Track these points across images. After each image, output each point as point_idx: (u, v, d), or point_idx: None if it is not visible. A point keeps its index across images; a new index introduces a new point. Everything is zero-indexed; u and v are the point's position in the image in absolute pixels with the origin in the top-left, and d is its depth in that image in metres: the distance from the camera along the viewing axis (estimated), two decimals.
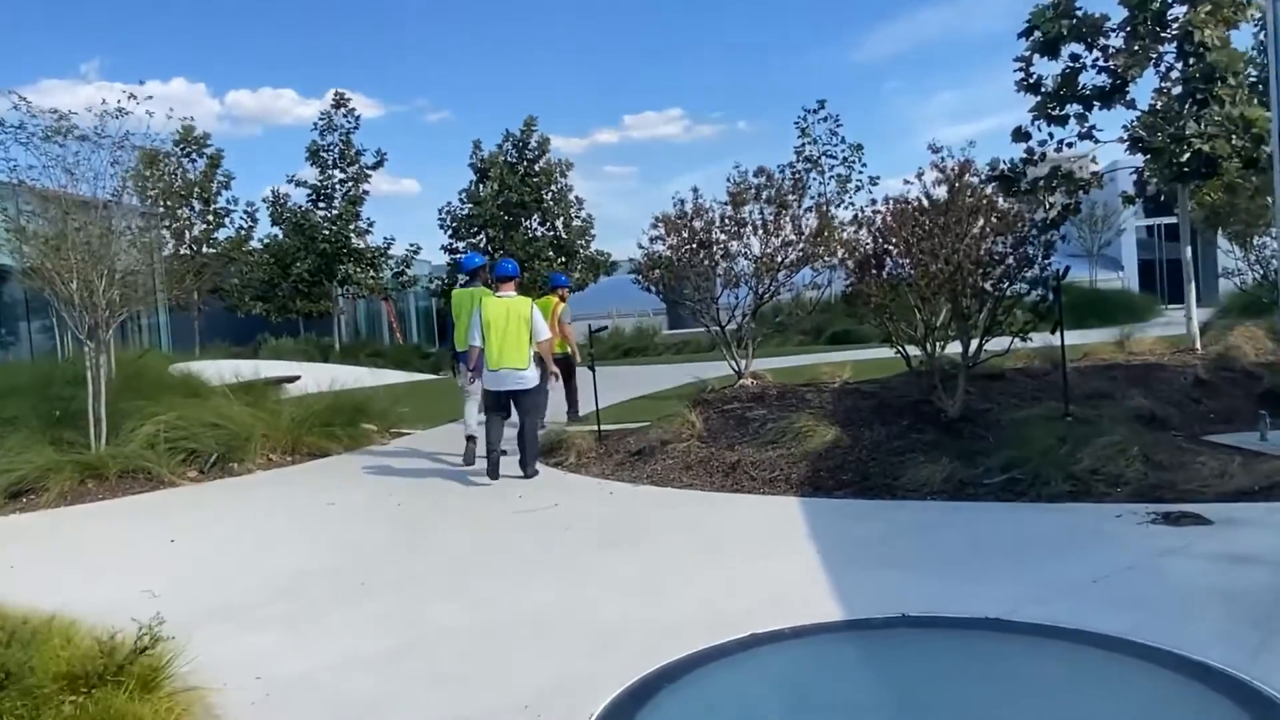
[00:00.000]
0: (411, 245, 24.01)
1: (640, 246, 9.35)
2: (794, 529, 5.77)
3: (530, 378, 7.87)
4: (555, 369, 8.59)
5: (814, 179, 25.22)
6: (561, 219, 25.95)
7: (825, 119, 25.01)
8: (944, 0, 71.28)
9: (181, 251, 23.27)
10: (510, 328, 7.84)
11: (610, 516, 6.54)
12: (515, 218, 25.60)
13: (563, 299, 11.05)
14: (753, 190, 8.81)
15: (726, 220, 8.75)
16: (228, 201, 23.74)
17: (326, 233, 21.83)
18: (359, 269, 22.23)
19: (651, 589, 4.84)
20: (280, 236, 22.92)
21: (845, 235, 8.37)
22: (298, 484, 8.59)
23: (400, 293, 26.05)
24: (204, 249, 23.43)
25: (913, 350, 7.69)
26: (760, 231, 8.74)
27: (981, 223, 6.90)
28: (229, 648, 4.38)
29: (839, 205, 25.58)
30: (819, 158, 25.04)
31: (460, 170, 25.35)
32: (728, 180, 8.91)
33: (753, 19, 69.50)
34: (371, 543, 6.28)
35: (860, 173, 25.29)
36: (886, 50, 77.16)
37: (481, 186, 26.28)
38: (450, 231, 26.88)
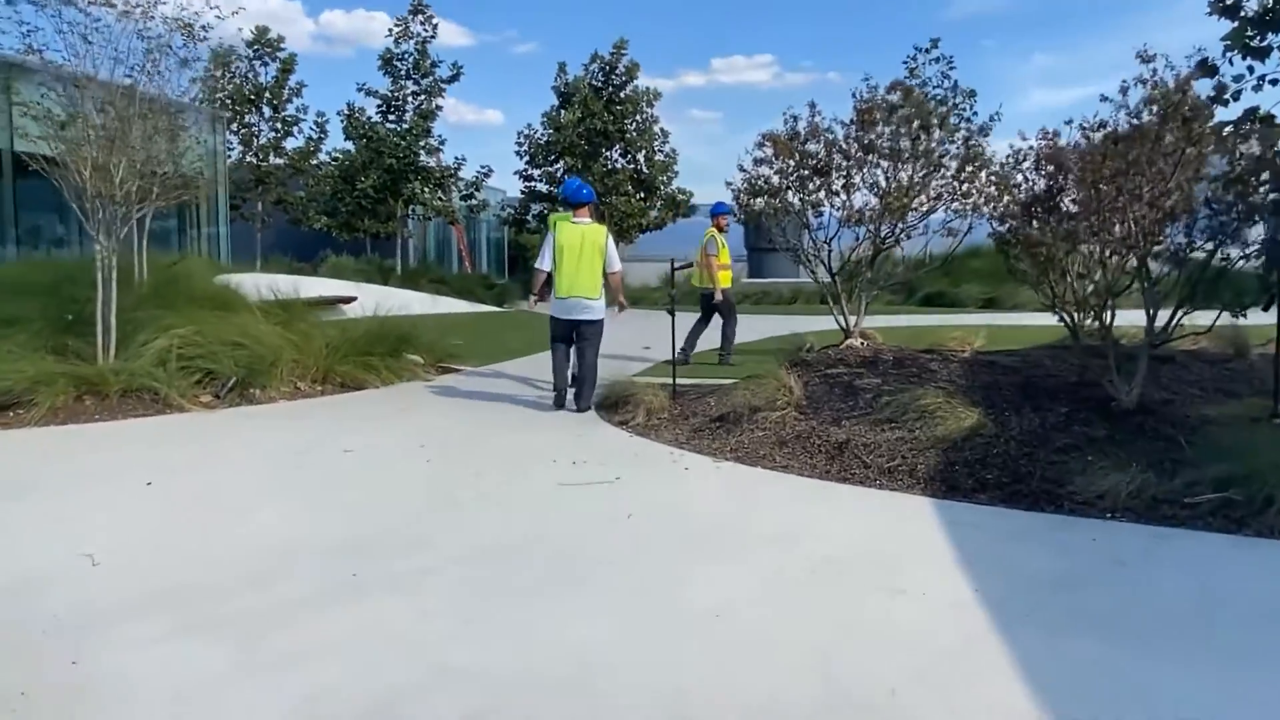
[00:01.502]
0: (483, 167, 22.63)
1: (740, 169, 7.84)
2: (931, 546, 4.33)
3: (598, 308, 7.71)
4: (623, 300, 8.13)
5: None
6: (644, 152, 24.32)
7: (938, 59, 22.82)
8: None
9: (247, 159, 22.30)
10: (585, 255, 7.63)
11: (683, 504, 5.16)
12: (596, 147, 24.06)
13: (720, 229, 9.78)
14: (885, 108, 7.17)
15: (850, 143, 7.13)
16: (297, 110, 22.61)
17: (394, 146, 20.56)
18: (426, 188, 20.94)
19: (740, 632, 3.45)
20: (351, 150, 21.79)
21: (997, 169, 6.73)
22: (318, 421, 7.38)
23: (470, 218, 24.79)
24: (270, 158, 22.39)
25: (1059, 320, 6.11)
26: (892, 160, 7.10)
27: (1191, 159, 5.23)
28: (144, 664, 3.13)
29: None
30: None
31: (544, 103, 23.78)
32: (854, 95, 7.30)
33: None
34: (383, 513, 5.00)
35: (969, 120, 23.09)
36: (983, 7, 72.76)
37: (564, 112, 24.76)
38: (527, 158, 25.51)
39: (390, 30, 20.67)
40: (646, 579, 3.96)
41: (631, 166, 24.39)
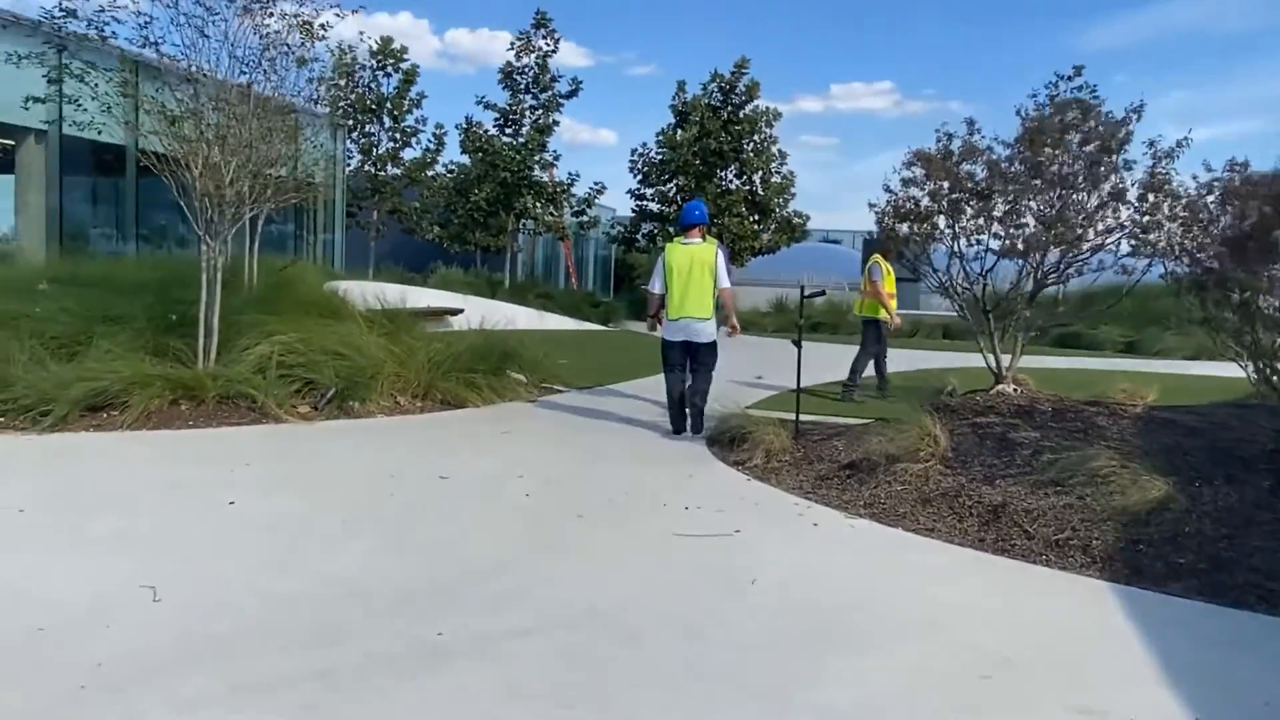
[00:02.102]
0: (596, 184, 22.31)
1: (886, 190, 7.12)
2: (1123, 649, 3.55)
3: (709, 330, 7.53)
4: (736, 323, 7.84)
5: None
6: (760, 173, 23.66)
7: (1080, 89, 21.56)
8: None
9: (366, 168, 22.49)
10: (694, 275, 7.48)
11: (813, 571, 4.47)
12: (710, 167, 23.51)
13: (887, 255, 9.61)
14: (1058, 127, 6.36)
15: (1015, 165, 6.33)
16: (417, 121, 22.72)
17: (509, 160, 20.39)
18: (538, 203, 20.70)
19: None
20: (467, 163, 21.78)
21: (1184, 200, 5.85)
22: (416, 441, 6.95)
23: (579, 235, 24.53)
24: (388, 168, 22.55)
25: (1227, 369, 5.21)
26: (1064, 185, 6.27)
27: None
28: None
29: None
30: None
31: (658, 124, 23.35)
32: (1018, 112, 6.50)
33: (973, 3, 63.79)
34: (475, 554, 4.47)
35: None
36: (1116, 41, 69.72)
37: (680, 130, 24.32)
38: (640, 176, 25.13)
39: (512, 44, 20.60)
40: (771, 671, 3.30)
41: (747, 188, 23.76)
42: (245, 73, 7.61)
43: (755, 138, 23.55)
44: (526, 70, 20.59)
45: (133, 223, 14.78)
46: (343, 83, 21.72)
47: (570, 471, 6.16)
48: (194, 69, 7.35)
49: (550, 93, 20.79)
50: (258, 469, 5.83)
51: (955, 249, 6.41)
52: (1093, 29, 67.54)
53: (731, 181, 23.87)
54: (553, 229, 21.86)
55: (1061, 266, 6.28)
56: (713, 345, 7.57)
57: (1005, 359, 6.64)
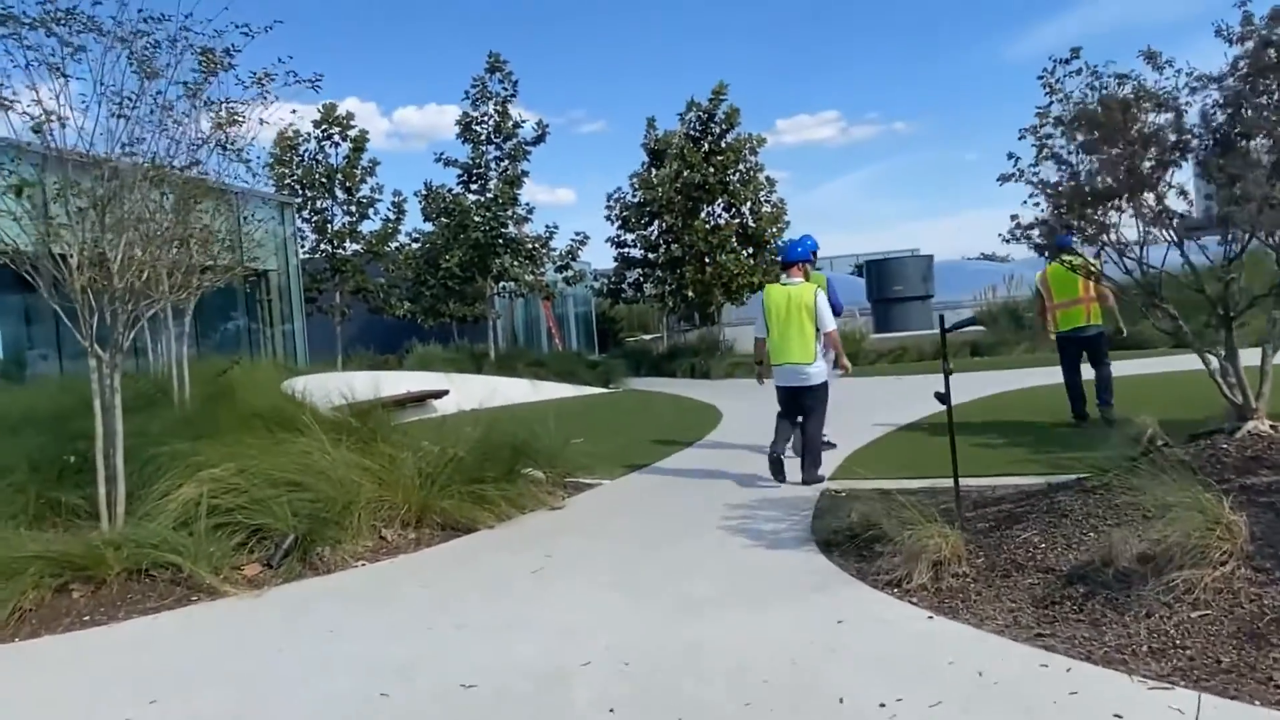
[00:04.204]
0: (578, 234, 20.38)
1: (1024, 182, 5.20)
2: None
3: (814, 374, 7.18)
4: (847, 363, 7.66)
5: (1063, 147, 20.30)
6: (749, 204, 21.81)
7: (1079, 71, 19.95)
8: None
9: (322, 247, 20.49)
10: (793, 318, 7.15)
11: None
12: (696, 203, 21.66)
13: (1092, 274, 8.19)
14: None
15: (1248, 107, 4.30)
16: (372, 190, 20.78)
17: (479, 219, 18.44)
18: (517, 261, 18.71)
19: None
20: (431, 230, 19.81)
21: None
22: (416, 604, 4.81)
23: (562, 291, 22.50)
24: (347, 244, 20.55)
25: None
26: None
27: None
28: None
29: None
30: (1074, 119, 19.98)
31: (619, 176, 21.51)
32: (1220, 33, 4.52)
33: (910, 13, 63.19)
34: None
35: None
36: (1047, 44, 69.65)
37: (655, 169, 22.52)
38: (619, 222, 23.24)
39: (467, 93, 18.74)
40: None
41: (737, 220, 21.90)
42: (123, 115, 5.55)
43: (740, 166, 21.76)
44: (486, 119, 18.70)
45: (24, 338, 12.60)
46: (286, 157, 19.84)
47: (657, 641, 4.02)
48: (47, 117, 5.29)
49: (515, 140, 18.90)
50: (173, 694, 3.69)
51: (1171, 234, 4.42)
52: (1024, 36, 67.24)
53: (721, 216, 22.02)
54: (535, 288, 19.83)
55: None
56: (818, 389, 7.20)
57: (1258, 388, 4.58)
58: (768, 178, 22.14)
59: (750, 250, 21.92)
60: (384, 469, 6.50)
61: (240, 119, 6.34)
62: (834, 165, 76.11)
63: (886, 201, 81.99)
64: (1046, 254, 5.64)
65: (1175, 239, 4.31)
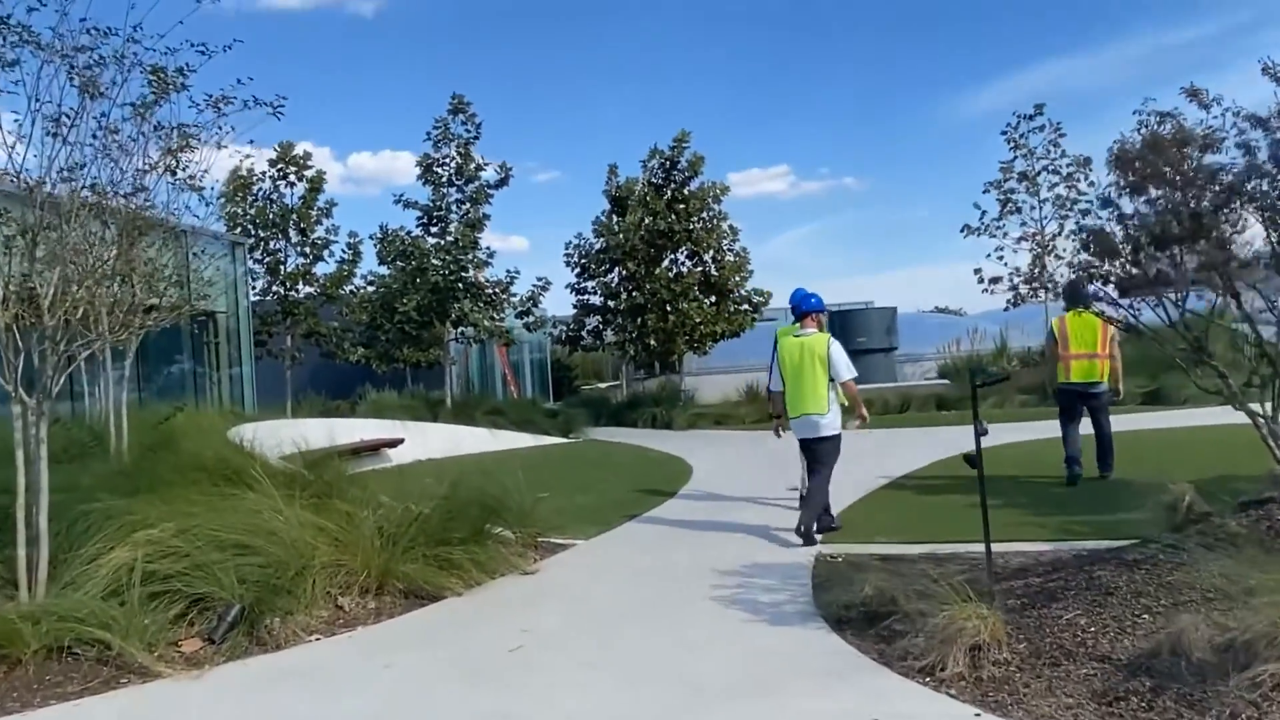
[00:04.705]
0: (540, 279, 19.90)
1: (1075, 224, 4.86)
2: None
3: (828, 424, 7.06)
4: (865, 413, 7.48)
5: (1025, 200, 20.44)
6: (712, 252, 21.55)
7: (1043, 128, 20.17)
8: (1065, 51, 64.80)
9: (275, 289, 19.78)
10: (805, 367, 7.07)
11: None
12: (659, 250, 21.36)
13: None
14: None
15: None
16: (328, 231, 20.14)
17: (438, 262, 17.90)
18: (477, 307, 18.14)
19: None
20: (387, 275, 19.18)
21: None
22: (375, 693, 4.23)
23: (519, 338, 21.89)
24: (300, 286, 19.86)
25: None
26: None
27: None
28: None
29: (1058, 233, 20.79)
30: (1038, 173, 20.18)
31: (574, 225, 21.25)
32: (1265, 68, 4.23)
33: (861, 70, 64.51)
34: None
35: (1085, 192, 20.32)
36: (998, 103, 71.63)
37: (616, 216, 22.22)
38: (578, 269, 22.85)
39: (429, 133, 18.30)
40: None
41: (700, 269, 21.63)
42: (56, 134, 5.01)
43: (704, 214, 21.54)
44: (448, 161, 18.26)
45: None
46: (239, 196, 19.19)
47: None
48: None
49: (477, 183, 18.46)
50: None
51: (1225, 284, 4.08)
52: (971, 96, 68.93)
53: (684, 264, 21.74)
54: (495, 334, 19.28)
55: None
56: (831, 441, 7.07)
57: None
58: (731, 226, 21.95)
59: (713, 299, 21.64)
60: (341, 529, 5.91)
61: (193, 145, 5.82)
62: (785, 218, 77.24)
63: (837, 255, 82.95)
64: (1081, 304, 5.28)
65: (1231, 287, 3.97)
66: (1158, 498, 4.72)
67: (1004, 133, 20.73)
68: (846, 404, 7.26)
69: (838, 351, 7.11)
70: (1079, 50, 64.81)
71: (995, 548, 5.65)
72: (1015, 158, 20.60)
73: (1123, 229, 4.22)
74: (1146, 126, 4.34)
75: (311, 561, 5.45)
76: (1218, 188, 3.96)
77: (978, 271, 21.26)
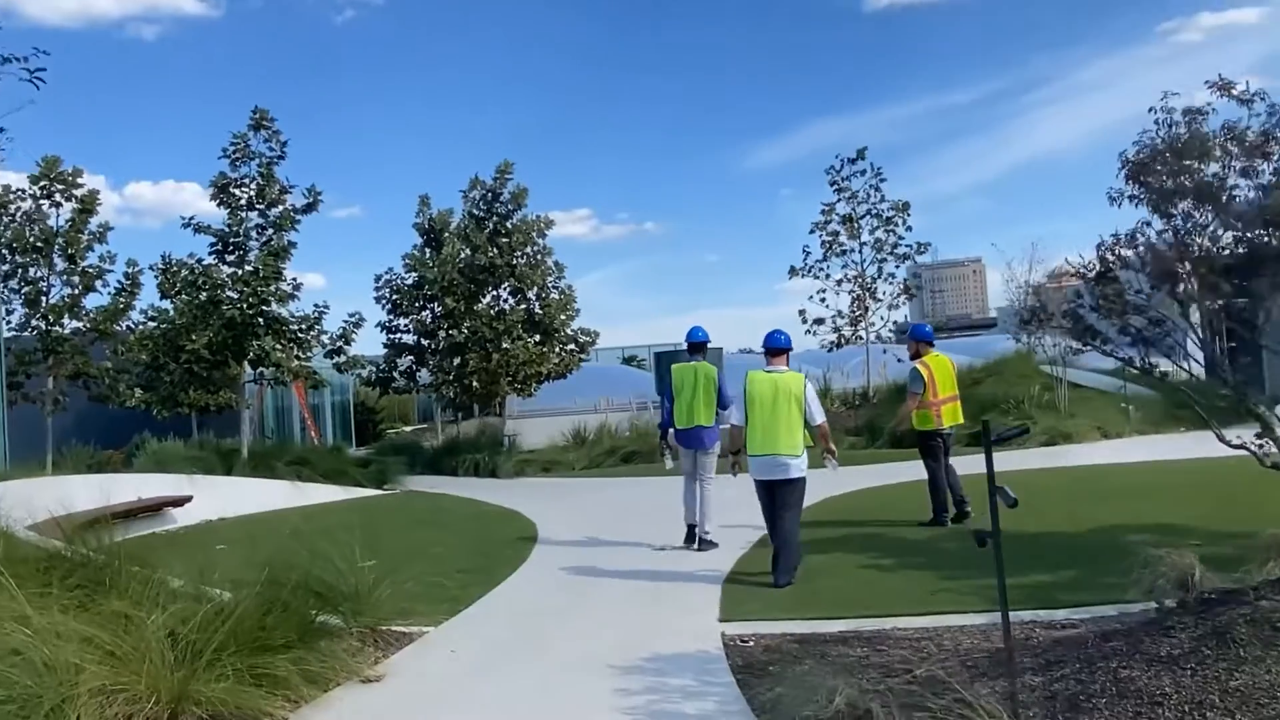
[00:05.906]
0: (352, 315, 18.15)
1: (1104, 252, 4.15)
2: None
3: (797, 466, 6.85)
4: (834, 448, 7.39)
5: (847, 243, 20.74)
6: (537, 289, 20.54)
7: (864, 172, 20.56)
8: (836, 111, 69.35)
9: (34, 323, 17.10)
10: (779, 406, 6.86)
11: None
12: (479, 285, 20.14)
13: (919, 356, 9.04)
14: None
15: None
16: (102, 258, 17.65)
17: (235, 295, 15.95)
18: (279, 344, 16.26)
19: None
20: (170, 311, 16.88)
21: None
22: None
23: (319, 380, 19.86)
24: (65, 320, 17.26)
25: None
26: None
27: None
28: None
29: (878, 276, 21.16)
30: (862, 216, 20.51)
31: (371, 266, 19.85)
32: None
33: (654, 123, 66.22)
34: None
35: (904, 236, 20.90)
36: (778, 158, 75.85)
37: (430, 251, 20.86)
38: (389, 306, 21.24)
39: (225, 150, 16.36)
40: None
41: (524, 306, 20.55)
42: None
43: (528, 249, 20.53)
44: (247, 181, 16.38)
45: None
46: None
47: None
48: None
49: (282, 208, 16.66)
50: None
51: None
52: (756, 150, 72.29)
53: (507, 300, 20.61)
54: (301, 375, 17.39)
55: None
56: (799, 483, 6.92)
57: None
58: (556, 263, 21.06)
59: (538, 338, 20.60)
60: (117, 638, 4.45)
61: None
62: (589, 260, 78.41)
63: (641, 296, 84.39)
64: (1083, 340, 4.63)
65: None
66: (1154, 568, 4.06)
67: (827, 173, 21.09)
68: (810, 445, 7.04)
69: (813, 394, 7.04)
70: (857, 110, 68.90)
71: (946, 620, 4.94)
72: (838, 200, 20.97)
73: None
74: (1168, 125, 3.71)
75: (74, 690, 3.99)
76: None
77: (802, 313, 21.47)
